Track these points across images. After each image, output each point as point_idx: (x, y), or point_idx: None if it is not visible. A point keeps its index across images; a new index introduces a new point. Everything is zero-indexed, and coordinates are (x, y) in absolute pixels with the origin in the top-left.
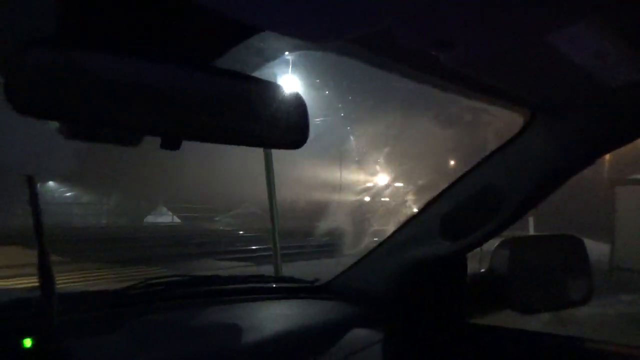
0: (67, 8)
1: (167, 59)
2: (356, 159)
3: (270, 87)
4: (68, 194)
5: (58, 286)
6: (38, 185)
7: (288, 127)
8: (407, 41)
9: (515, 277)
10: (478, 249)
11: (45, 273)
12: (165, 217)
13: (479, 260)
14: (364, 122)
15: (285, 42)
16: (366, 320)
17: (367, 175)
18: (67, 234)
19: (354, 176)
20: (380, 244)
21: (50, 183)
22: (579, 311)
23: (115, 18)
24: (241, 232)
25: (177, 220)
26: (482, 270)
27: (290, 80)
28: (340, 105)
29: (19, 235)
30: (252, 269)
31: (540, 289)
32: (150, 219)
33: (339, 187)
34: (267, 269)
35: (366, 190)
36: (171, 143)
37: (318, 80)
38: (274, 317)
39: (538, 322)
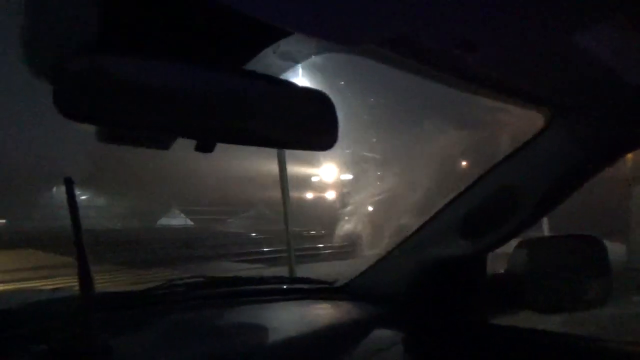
0: (108, 16)
1: (201, 63)
2: (375, 160)
3: (299, 90)
4: (83, 197)
5: (76, 287)
6: (55, 189)
7: (317, 129)
8: (431, 43)
9: (533, 277)
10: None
11: (84, 274)
12: (178, 220)
13: (497, 261)
14: (387, 124)
15: (312, 44)
16: (386, 321)
17: (385, 177)
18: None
19: (370, 177)
20: (399, 244)
21: (61, 188)
22: (596, 312)
23: (152, 25)
24: (253, 234)
25: (189, 222)
26: (501, 271)
27: (318, 82)
28: (362, 107)
29: (32, 238)
30: (265, 271)
31: (558, 290)
32: (163, 221)
33: (358, 188)
34: (279, 271)
35: (383, 191)
36: (205, 146)
37: (343, 82)
38: (295, 318)
39: (555, 322)
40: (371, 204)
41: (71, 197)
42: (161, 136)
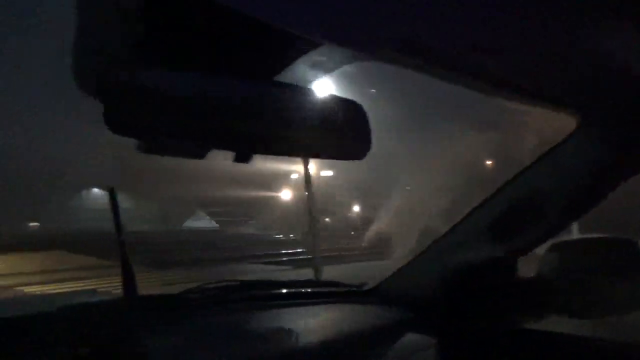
0: (149, 33)
1: (235, 75)
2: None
3: (331, 99)
4: (104, 201)
5: (107, 289)
6: (83, 193)
7: (350, 138)
8: (455, 47)
9: (565, 281)
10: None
11: (128, 276)
12: (202, 222)
13: (528, 264)
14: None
15: (341, 54)
16: (416, 325)
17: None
18: (110, 238)
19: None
20: (429, 247)
21: (95, 190)
22: (631, 316)
23: (189, 39)
24: (276, 236)
25: (214, 224)
26: (533, 274)
27: (349, 91)
28: (391, 113)
29: (60, 240)
30: (289, 273)
31: (591, 293)
32: (188, 223)
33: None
34: (304, 273)
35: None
36: (243, 156)
37: (373, 90)
38: (325, 322)
39: (588, 327)
40: (398, 207)
41: (114, 203)
42: (198, 146)
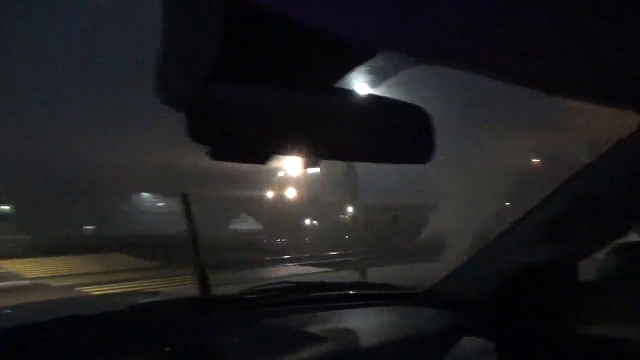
0: (227, 50)
1: (303, 86)
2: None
3: (394, 104)
4: (160, 204)
5: (164, 288)
6: (137, 196)
7: (415, 142)
8: (511, 47)
9: (629, 285)
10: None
11: (202, 278)
12: (248, 224)
13: (589, 267)
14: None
15: (402, 59)
16: (471, 329)
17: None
18: (163, 239)
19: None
20: (483, 249)
21: (145, 194)
22: None
23: (261, 54)
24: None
25: (259, 226)
26: (594, 277)
27: (412, 96)
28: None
29: (120, 242)
30: (332, 275)
31: None
32: (234, 225)
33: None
34: (347, 275)
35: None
36: (313, 162)
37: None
38: (380, 325)
39: None
40: (452, 207)
41: (187, 208)
42: (263, 152)
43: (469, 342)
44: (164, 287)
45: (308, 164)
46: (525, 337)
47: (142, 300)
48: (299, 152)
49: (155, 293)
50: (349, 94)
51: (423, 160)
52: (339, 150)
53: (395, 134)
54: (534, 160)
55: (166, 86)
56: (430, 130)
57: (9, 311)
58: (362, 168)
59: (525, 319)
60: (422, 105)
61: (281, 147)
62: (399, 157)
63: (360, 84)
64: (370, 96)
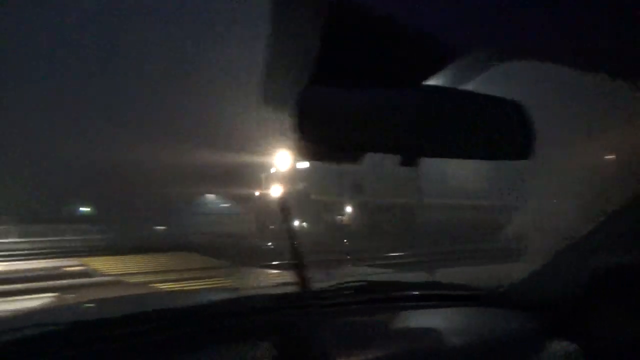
0: (323, 54)
1: (396, 85)
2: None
3: (490, 100)
4: (224, 205)
5: (218, 286)
6: (205, 197)
7: (511, 138)
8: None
9: None
10: None
11: (302, 276)
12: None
13: None
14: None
15: (493, 54)
16: (550, 332)
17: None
18: (224, 239)
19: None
20: (562, 250)
21: (209, 196)
22: None
23: (355, 56)
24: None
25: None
26: None
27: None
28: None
29: (188, 242)
30: (401, 275)
31: None
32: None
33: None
34: (416, 276)
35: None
36: (409, 160)
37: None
38: (456, 326)
39: None
40: (530, 206)
41: (285, 207)
42: (357, 153)
43: (552, 345)
44: (225, 284)
45: (404, 163)
46: (611, 341)
47: (217, 297)
48: (396, 151)
49: (220, 290)
50: (447, 91)
51: (522, 156)
52: (433, 148)
53: (490, 129)
54: (624, 156)
55: (269, 88)
56: (528, 125)
57: (93, 305)
58: (435, 166)
59: (608, 325)
60: (518, 100)
61: (378, 147)
62: (496, 154)
63: (456, 81)
64: (462, 92)
